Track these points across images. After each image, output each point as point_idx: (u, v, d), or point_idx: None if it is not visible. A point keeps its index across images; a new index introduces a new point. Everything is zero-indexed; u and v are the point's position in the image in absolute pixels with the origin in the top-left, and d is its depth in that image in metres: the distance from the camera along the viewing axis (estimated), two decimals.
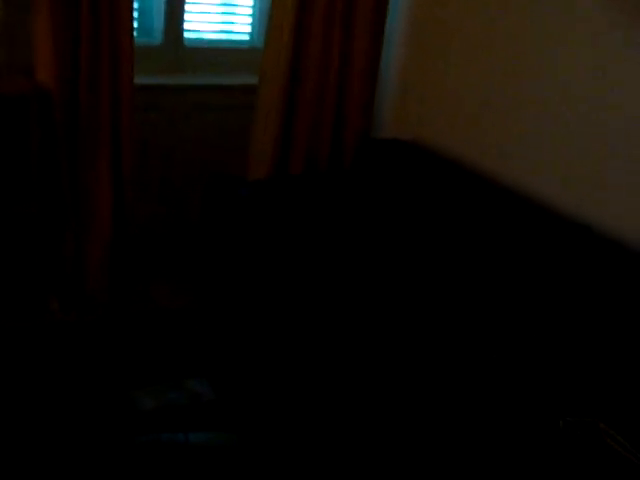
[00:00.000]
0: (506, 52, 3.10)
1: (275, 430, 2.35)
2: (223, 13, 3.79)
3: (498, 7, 3.12)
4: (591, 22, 2.74)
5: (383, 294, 2.71)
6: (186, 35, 3.60)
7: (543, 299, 2.60)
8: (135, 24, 3.34)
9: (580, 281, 2.54)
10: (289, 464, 2.24)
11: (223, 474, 2.19)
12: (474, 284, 2.79)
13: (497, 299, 2.69)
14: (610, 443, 2.01)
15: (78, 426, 2.47)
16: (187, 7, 3.54)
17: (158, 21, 3.51)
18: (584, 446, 2.02)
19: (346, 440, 2.15)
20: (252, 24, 3.80)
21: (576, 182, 2.81)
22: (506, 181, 3.06)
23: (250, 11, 3.79)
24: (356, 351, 2.40)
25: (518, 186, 3.00)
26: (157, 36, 3.54)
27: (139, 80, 3.22)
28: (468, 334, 2.51)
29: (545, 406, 2.15)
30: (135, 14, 3.31)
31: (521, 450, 2.02)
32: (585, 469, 1.97)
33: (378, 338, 2.46)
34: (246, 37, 3.84)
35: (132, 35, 3.05)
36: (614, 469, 1.96)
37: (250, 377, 2.64)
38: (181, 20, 3.54)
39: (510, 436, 2.07)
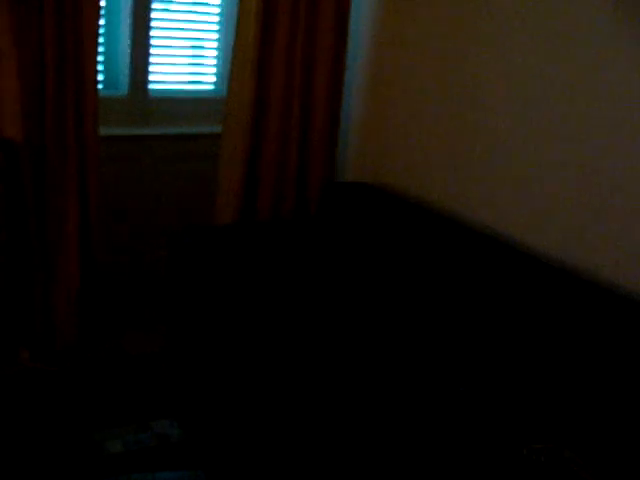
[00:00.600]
0: (461, 96, 3.18)
1: (242, 467, 2.35)
2: (188, 64, 3.86)
3: (455, 53, 3.20)
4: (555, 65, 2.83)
5: (351, 338, 2.73)
6: (151, 86, 3.65)
7: (505, 328, 2.64)
8: (100, 76, 3.42)
9: (538, 308, 2.60)
10: None
11: None
12: (439, 318, 2.82)
13: (462, 331, 2.73)
14: (575, 470, 2.03)
15: (47, 471, 2.45)
16: (152, 59, 3.61)
17: (123, 73, 3.56)
18: (549, 473, 2.04)
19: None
20: (217, 74, 3.87)
21: (542, 220, 2.88)
22: (468, 220, 3.12)
23: (215, 62, 3.86)
24: (320, 398, 2.40)
25: (480, 224, 3.07)
26: (122, 87, 3.59)
27: (105, 131, 3.28)
28: (434, 365, 2.54)
29: (509, 433, 2.18)
30: (100, 66, 3.39)
31: (485, 477, 2.03)
32: None
33: (344, 382, 2.47)
34: (211, 87, 3.90)
35: (96, 86, 3.10)
36: None
37: (218, 417, 2.64)
38: (146, 71, 3.60)
39: (475, 463, 2.08)
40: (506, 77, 2.98)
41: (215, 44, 3.83)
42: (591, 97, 2.66)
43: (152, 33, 3.57)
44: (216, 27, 3.80)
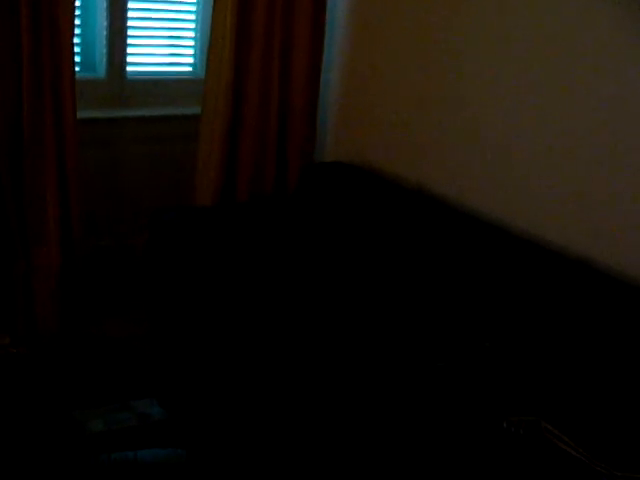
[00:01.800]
0: (441, 74, 3.19)
1: (224, 446, 2.37)
2: (166, 46, 3.84)
3: (435, 28, 3.20)
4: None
5: (333, 318, 2.74)
6: (129, 68, 3.64)
7: (481, 302, 2.68)
8: (78, 58, 3.40)
9: (514, 284, 2.65)
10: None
11: None
12: (419, 295, 2.85)
13: (440, 306, 2.76)
14: (553, 441, 2.06)
15: (29, 451, 2.46)
16: (129, 41, 3.59)
17: (101, 55, 3.55)
18: (528, 445, 2.07)
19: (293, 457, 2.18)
20: (194, 55, 3.86)
21: (518, 198, 2.91)
22: (448, 198, 3.15)
23: (193, 43, 3.85)
24: (301, 377, 2.42)
25: (461, 203, 3.09)
26: (100, 70, 3.57)
27: (84, 114, 3.26)
28: (414, 342, 2.56)
29: (488, 407, 2.20)
30: (77, 49, 3.38)
31: (465, 450, 2.06)
32: (529, 468, 2.01)
33: (327, 360, 2.49)
34: (189, 68, 3.89)
35: (74, 69, 3.08)
36: (558, 467, 2.01)
37: (199, 396, 2.65)
38: (123, 53, 3.58)
39: (454, 437, 2.11)
40: (490, 51, 2.97)
41: (193, 25, 3.81)
42: (579, 72, 2.67)
43: (129, 14, 3.54)
44: (194, 8, 3.78)
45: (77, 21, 3.31)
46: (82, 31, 3.48)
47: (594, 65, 2.59)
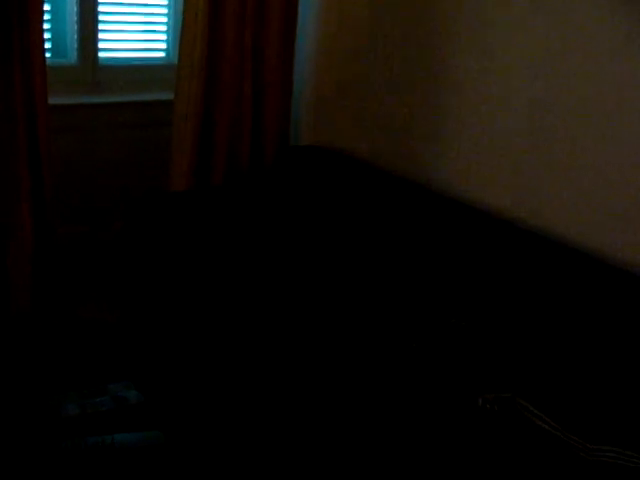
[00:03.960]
0: (416, 56, 3.19)
1: (201, 427, 2.37)
2: (138, 32, 3.82)
3: (419, 6, 3.17)
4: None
5: (306, 301, 2.74)
6: (101, 54, 3.61)
7: (457, 283, 2.69)
8: (49, 44, 3.37)
9: (488, 261, 2.67)
10: (216, 461, 2.26)
11: (151, 472, 2.20)
12: (392, 276, 2.86)
13: (413, 285, 2.78)
14: (529, 417, 2.08)
15: (3, 435, 2.45)
16: (101, 26, 3.56)
17: (72, 41, 3.52)
18: (503, 422, 2.08)
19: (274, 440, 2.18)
20: (167, 40, 3.84)
21: (498, 177, 2.91)
22: (424, 181, 3.16)
23: (165, 28, 3.82)
24: (269, 354, 2.43)
25: (436, 185, 3.11)
26: (71, 56, 3.54)
27: (56, 100, 3.24)
28: (387, 323, 2.57)
29: (462, 384, 2.22)
30: (48, 34, 3.34)
31: (440, 428, 2.07)
32: (505, 444, 2.03)
33: (304, 341, 2.49)
34: (162, 54, 3.87)
35: (44, 55, 3.05)
36: (534, 442, 2.03)
37: (175, 379, 2.65)
38: (95, 39, 3.56)
39: (429, 415, 2.12)
40: (469, 28, 2.96)
41: (165, 10, 3.79)
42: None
43: None
44: None
45: (47, 6, 3.30)
46: (52, 16, 3.44)
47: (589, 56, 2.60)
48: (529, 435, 2.04)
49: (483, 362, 2.33)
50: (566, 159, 2.65)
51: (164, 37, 3.84)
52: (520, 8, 2.73)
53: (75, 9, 3.46)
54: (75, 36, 3.50)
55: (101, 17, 3.55)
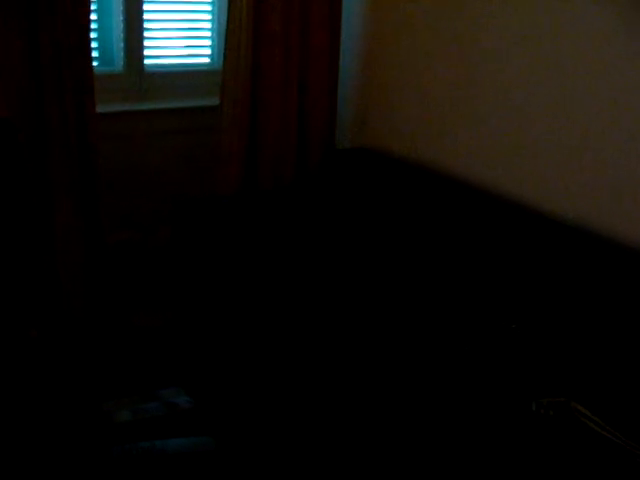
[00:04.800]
0: (462, 54, 3.16)
1: (253, 433, 2.38)
2: (183, 38, 3.84)
3: (462, 9, 3.15)
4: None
5: (357, 305, 2.74)
6: (147, 61, 3.64)
7: (511, 285, 2.66)
8: (96, 53, 3.41)
9: (541, 264, 2.62)
10: (267, 467, 2.26)
11: (201, 478, 2.21)
12: (446, 278, 2.83)
13: (467, 289, 2.75)
14: (583, 421, 2.05)
15: (57, 441, 2.48)
16: (146, 34, 3.59)
17: (118, 49, 3.55)
18: (558, 426, 2.05)
19: (327, 443, 2.18)
20: (212, 46, 3.85)
21: (549, 181, 2.86)
22: (471, 181, 3.12)
23: (210, 34, 3.84)
24: (327, 362, 2.42)
25: (485, 185, 3.07)
26: (118, 64, 3.58)
27: (103, 108, 3.27)
28: (442, 326, 2.55)
29: (517, 389, 2.19)
30: (95, 43, 3.38)
31: (494, 434, 2.05)
32: (560, 449, 2.00)
33: (352, 349, 2.48)
34: (207, 59, 3.89)
35: (91, 63, 3.09)
36: (589, 448, 1.99)
37: (227, 384, 2.66)
38: (141, 47, 3.59)
39: (483, 420, 2.10)
40: (509, 28, 2.92)
41: (209, 16, 3.81)
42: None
43: (145, 7, 3.54)
44: None
45: (94, 16, 3.33)
46: (99, 25, 3.48)
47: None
48: (584, 440, 2.01)
49: (537, 365, 2.30)
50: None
51: (209, 43, 3.86)
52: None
53: (121, 17, 3.50)
54: (121, 44, 3.54)
55: (146, 24, 3.58)
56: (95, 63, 3.18)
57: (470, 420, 2.11)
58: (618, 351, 2.31)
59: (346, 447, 2.12)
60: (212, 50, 3.86)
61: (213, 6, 3.77)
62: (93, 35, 3.29)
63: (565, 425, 2.05)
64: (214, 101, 3.57)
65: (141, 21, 3.55)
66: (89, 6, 3.04)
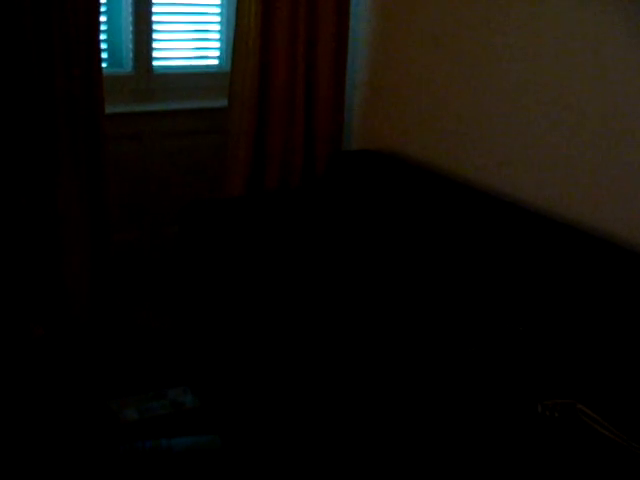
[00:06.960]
0: (469, 58, 3.16)
1: (259, 432, 2.38)
2: (192, 40, 3.86)
3: (464, 9, 3.16)
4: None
5: (364, 306, 2.74)
6: (155, 63, 3.66)
7: (519, 287, 2.66)
8: (105, 54, 3.42)
9: (548, 268, 2.62)
10: (274, 465, 2.27)
11: (207, 477, 2.22)
12: (452, 280, 2.84)
13: (474, 290, 2.75)
14: (589, 423, 2.05)
15: (64, 439, 2.49)
16: (155, 35, 3.61)
17: (127, 50, 3.57)
18: (563, 427, 2.06)
19: (331, 442, 2.18)
20: (220, 48, 3.87)
21: (555, 183, 2.86)
22: (478, 184, 3.13)
23: (218, 36, 3.86)
24: (338, 359, 2.43)
25: (491, 188, 3.07)
26: (127, 65, 3.60)
27: (112, 109, 3.30)
28: (448, 327, 2.55)
29: (523, 390, 2.19)
30: (104, 45, 3.40)
31: (501, 435, 2.05)
32: (565, 450, 2.00)
33: (359, 350, 2.49)
34: (215, 61, 3.90)
35: (101, 64, 3.10)
36: (595, 449, 1.99)
37: (233, 383, 2.67)
38: (150, 48, 3.61)
39: (488, 421, 2.10)
40: (519, 33, 2.92)
41: (218, 18, 3.83)
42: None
43: (154, 9, 3.56)
44: (218, 1, 3.79)
45: (103, 17, 3.35)
46: (108, 27, 3.50)
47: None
48: (590, 442, 2.01)
49: (542, 367, 2.30)
50: None
51: (217, 45, 3.88)
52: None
53: (130, 19, 3.52)
54: (130, 46, 3.56)
55: (155, 26, 3.60)
56: (104, 64, 3.21)
57: (476, 421, 2.11)
58: (624, 353, 2.31)
59: (351, 446, 2.12)
60: (220, 52, 3.88)
61: (222, 8, 3.79)
62: (102, 36, 3.31)
63: (571, 427, 2.05)
64: (222, 103, 3.59)
65: (150, 23, 3.57)
66: (99, 8, 3.06)
